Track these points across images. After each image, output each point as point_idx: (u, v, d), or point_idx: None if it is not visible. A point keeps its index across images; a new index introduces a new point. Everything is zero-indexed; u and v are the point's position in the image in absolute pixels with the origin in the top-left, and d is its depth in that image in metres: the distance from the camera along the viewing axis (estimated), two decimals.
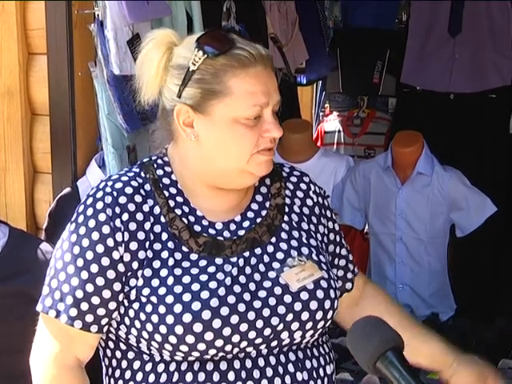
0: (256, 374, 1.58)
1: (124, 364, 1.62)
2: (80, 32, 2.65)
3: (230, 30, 1.99)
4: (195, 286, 1.54)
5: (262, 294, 1.58)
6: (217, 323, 1.52)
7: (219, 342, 1.53)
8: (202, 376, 1.56)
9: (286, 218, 1.69)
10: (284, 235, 1.67)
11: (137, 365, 1.60)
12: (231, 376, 1.56)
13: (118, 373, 1.63)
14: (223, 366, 1.56)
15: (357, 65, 4.75)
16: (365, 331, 1.38)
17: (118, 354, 1.63)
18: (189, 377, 1.56)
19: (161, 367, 1.58)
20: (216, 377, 1.56)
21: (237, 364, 1.57)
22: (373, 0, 4.70)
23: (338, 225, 1.80)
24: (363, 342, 1.36)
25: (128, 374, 1.61)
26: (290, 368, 1.61)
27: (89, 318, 1.57)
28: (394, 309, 1.85)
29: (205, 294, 1.54)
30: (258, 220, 1.66)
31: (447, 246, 3.41)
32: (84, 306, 1.57)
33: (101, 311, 1.57)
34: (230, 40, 1.58)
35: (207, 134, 1.59)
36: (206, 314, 1.52)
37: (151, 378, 1.58)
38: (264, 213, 1.68)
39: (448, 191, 3.29)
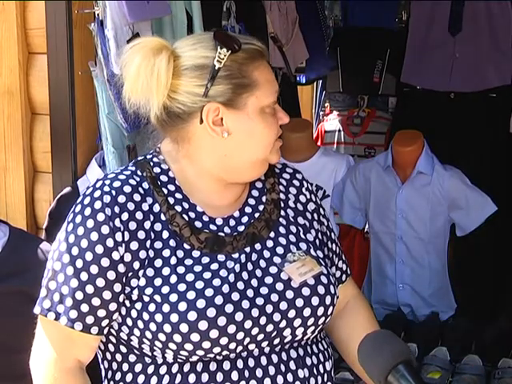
0: (259, 372, 1.58)
1: (125, 367, 1.61)
2: (80, 31, 2.65)
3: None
4: (199, 284, 1.54)
5: (264, 290, 1.58)
6: (222, 321, 1.52)
7: (224, 340, 1.52)
8: (205, 377, 1.55)
9: (282, 212, 1.70)
10: (282, 230, 1.67)
11: (138, 367, 1.59)
12: (234, 376, 1.56)
13: (118, 376, 1.62)
14: (226, 365, 1.56)
15: (357, 64, 4.75)
16: (375, 344, 1.39)
17: (119, 357, 1.62)
18: (192, 378, 1.55)
19: (163, 369, 1.57)
20: (219, 377, 1.55)
21: (240, 363, 1.57)
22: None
23: (330, 223, 1.82)
24: (374, 355, 1.36)
25: (129, 377, 1.60)
26: (292, 365, 1.61)
27: (89, 319, 1.56)
28: (369, 324, 1.79)
29: (209, 292, 1.53)
30: (257, 215, 1.67)
31: (447, 245, 3.41)
32: (84, 308, 1.55)
33: (101, 312, 1.56)
34: (235, 37, 1.62)
35: (240, 129, 1.60)
36: (211, 312, 1.51)
37: (153, 380, 1.57)
38: (261, 208, 1.69)
39: (448, 190, 3.28)
